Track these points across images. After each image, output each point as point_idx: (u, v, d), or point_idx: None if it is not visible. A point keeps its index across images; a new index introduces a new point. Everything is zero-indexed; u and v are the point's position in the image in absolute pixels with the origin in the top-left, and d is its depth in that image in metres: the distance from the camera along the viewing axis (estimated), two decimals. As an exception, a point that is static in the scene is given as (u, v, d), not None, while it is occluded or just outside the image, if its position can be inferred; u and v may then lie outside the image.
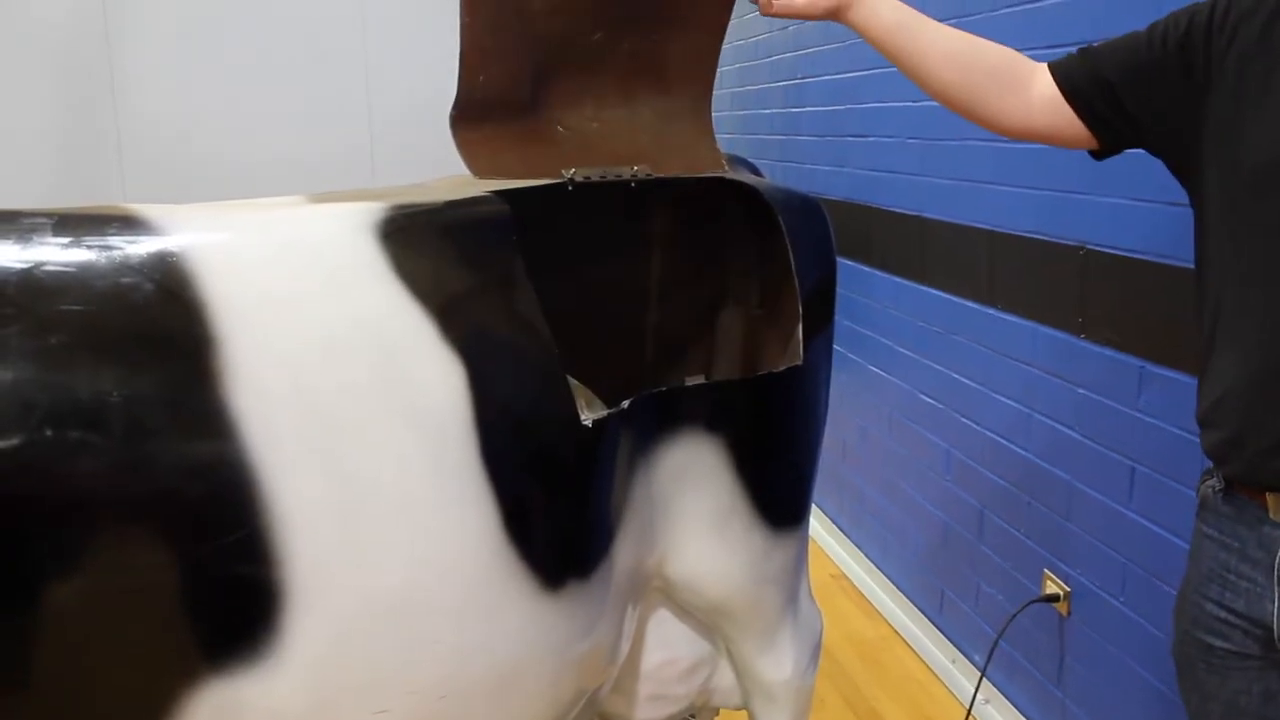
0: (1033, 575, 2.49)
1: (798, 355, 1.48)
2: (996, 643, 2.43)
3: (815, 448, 1.57)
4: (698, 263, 1.84)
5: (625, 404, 1.26)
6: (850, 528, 3.71)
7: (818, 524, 3.91)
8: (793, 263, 1.55)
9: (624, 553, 1.30)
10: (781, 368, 1.46)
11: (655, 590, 1.50)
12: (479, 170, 1.35)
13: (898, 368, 3.21)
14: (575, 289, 1.76)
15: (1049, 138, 1.43)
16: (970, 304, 2.71)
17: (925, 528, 3.07)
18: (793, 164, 4.07)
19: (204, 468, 0.99)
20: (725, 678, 1.64)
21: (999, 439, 2.61)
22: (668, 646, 1.54)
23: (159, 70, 3.59)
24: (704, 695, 1.65)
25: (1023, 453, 2.50)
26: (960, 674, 2.85)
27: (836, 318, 1.79)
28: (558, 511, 1.15)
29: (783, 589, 1.53)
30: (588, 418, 1.18)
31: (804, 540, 1.60)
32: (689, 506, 1.41)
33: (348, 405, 1.02)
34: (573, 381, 1.32)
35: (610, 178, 1.45)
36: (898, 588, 3.27)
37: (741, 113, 4.68)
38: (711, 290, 1.86)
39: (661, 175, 1.54)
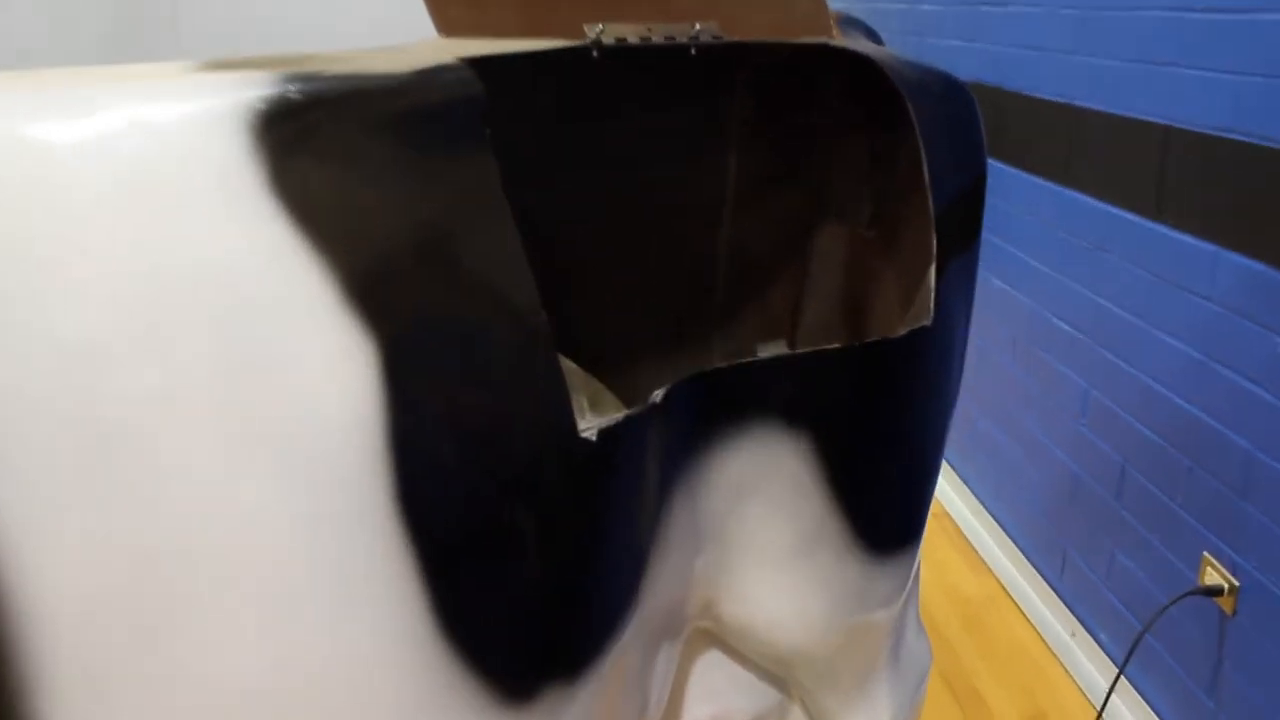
0: (1188, 557, 2.03)
1: (926, 309, 1.03)
2: (1141, 637, 1.98)
3: (941, 437, 1.12)
4: (788, 163, 1.38)
5: (657, 396, 0.83)
6: (958, 460, 3.25)
7: (919, 451, 3.46)
8: (925, 166, 1.08)
9: (648, 607, 0.89)
10: (902, 331, 1.01)
11: (700, 633, 1.09)
12: (447, 25, 0.90)
13: (1029, 285, 2.71)
14: (606, 200, 1.32)
15: None
16: (1131, 216, 2.19)
17: (1049, 474, 2.61)
18: (913, 36, 3.50)
19: None
20: (795, 724, 1.24)
21: (1156, 385, 2.12)
22: (717, 697, 1.13)
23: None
24: (766, 746, 1.26)
25: (1188, 407, 2.01)
26: (1080, 650, 2.42)
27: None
28: (533, 581, 0.73)
29: (883, 628, 1.11)
30: (591, 427, 0.74)
31: (916, 559, 1.16)
32: (756, 530, 0.98)
33: (169, 414, 0.61)
34: (570, 367, 0.89)
35: (659, 40, 0.99)
36: (1011, 539, 2.83)
37: (860, -25, 4.09)
38: (805, 202, 1.40)
39: (740, 40, 1.07)
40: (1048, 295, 2.60)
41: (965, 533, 3.02)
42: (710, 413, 0.92)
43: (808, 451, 0.97)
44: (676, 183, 1.43)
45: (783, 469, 0.97)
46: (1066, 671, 2.42)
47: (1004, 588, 2.76)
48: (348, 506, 0.64)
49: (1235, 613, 1.89)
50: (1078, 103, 2.42)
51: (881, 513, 1.05)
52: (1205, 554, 1.96)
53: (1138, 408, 2.19)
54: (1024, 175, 2.71)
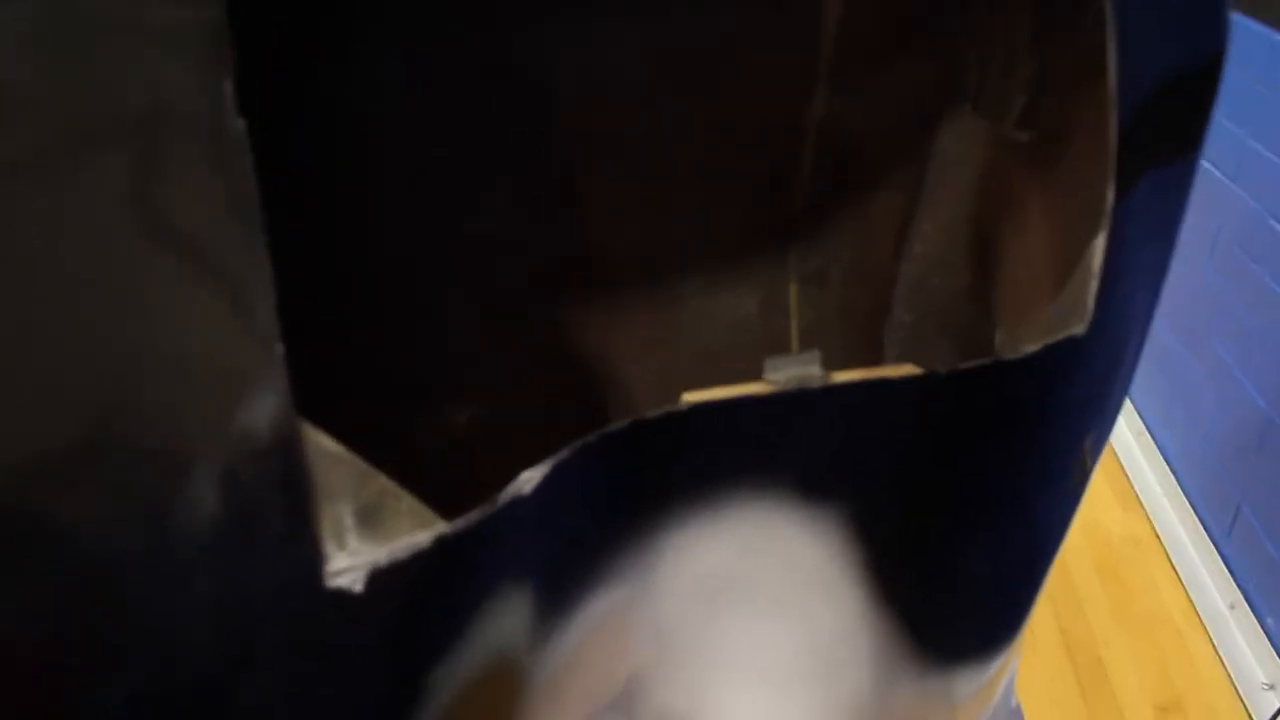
0: (1406, 564, 1.57)
1: (1084, 306, 0.61)
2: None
3: (1079, 489, 0.71)
4: (910, 17, 0.94)
5: (526, 484, 0.44)
6: (1124, 366, 2.76)
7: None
8: (1110, 33, 0.64)
9: None
10: (1032, 348, 0.59)
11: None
12: None
13: (1249, 174, 2.16)
14: (648, 55, 0.91)
15: None
16: None
17: (1236, 411, 2.13)
18: None
19: None
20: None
21: (1402, 336, 1.62)
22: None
23: None
24: None
25: None
26: (1238, 630, 1.99)
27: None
28: None
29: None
30: (352, 569, 0.37)
31: (1015, 647, 0.77)
32: (741, 643, 0.61)
33: None
34: (331, 452, 0.51)
35: None
36: (1175, 477, 2.37)
37: None
38: (931, 77, 0.97)
39: None
40: (1270, 191, 2.05)
41: (1120, 457, 2.57)
42: (655, 487, 0.54)
43: (834, 530, 0.59)
44: (751, 35, 1.00)
45: (790, 559, 0.59)
46: (1217, 653, 2.01)
47: (1156, 533, 2.32)
48: None
49: None
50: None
51: (960, 614, 0.67)
52: None
53: (1370, 358, 1.69)
54: (1257, 26, 2.12)
